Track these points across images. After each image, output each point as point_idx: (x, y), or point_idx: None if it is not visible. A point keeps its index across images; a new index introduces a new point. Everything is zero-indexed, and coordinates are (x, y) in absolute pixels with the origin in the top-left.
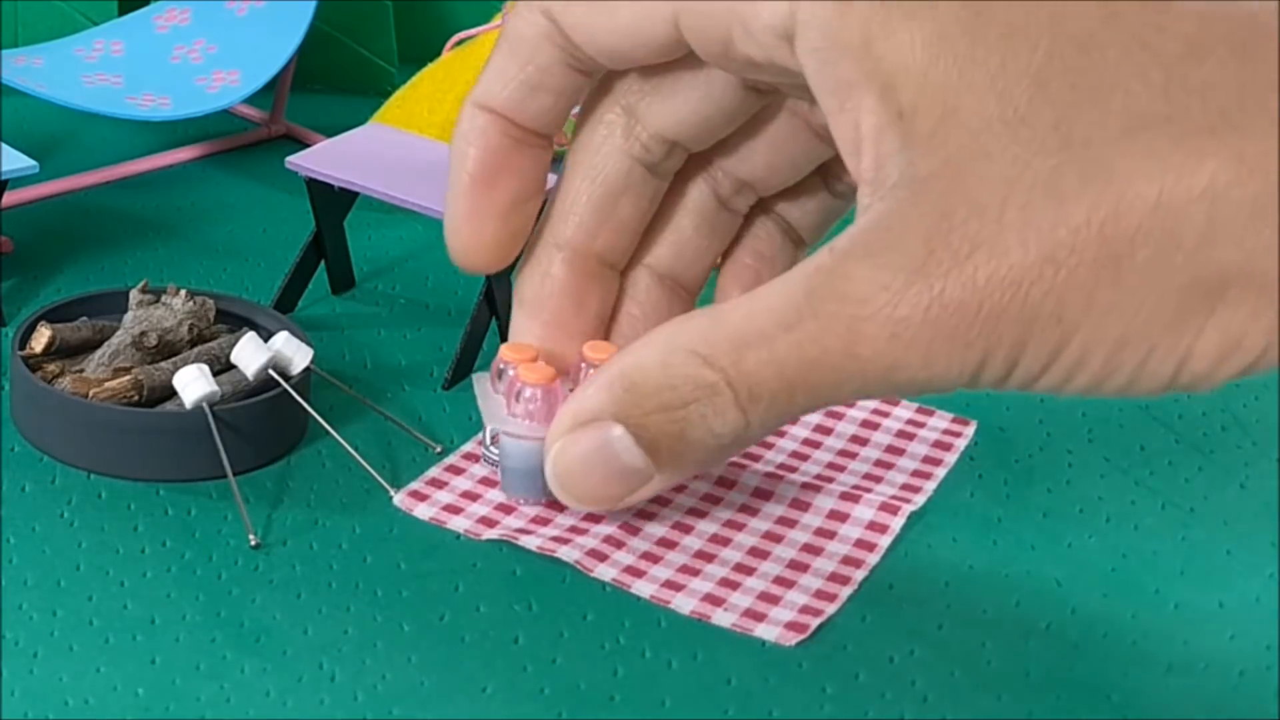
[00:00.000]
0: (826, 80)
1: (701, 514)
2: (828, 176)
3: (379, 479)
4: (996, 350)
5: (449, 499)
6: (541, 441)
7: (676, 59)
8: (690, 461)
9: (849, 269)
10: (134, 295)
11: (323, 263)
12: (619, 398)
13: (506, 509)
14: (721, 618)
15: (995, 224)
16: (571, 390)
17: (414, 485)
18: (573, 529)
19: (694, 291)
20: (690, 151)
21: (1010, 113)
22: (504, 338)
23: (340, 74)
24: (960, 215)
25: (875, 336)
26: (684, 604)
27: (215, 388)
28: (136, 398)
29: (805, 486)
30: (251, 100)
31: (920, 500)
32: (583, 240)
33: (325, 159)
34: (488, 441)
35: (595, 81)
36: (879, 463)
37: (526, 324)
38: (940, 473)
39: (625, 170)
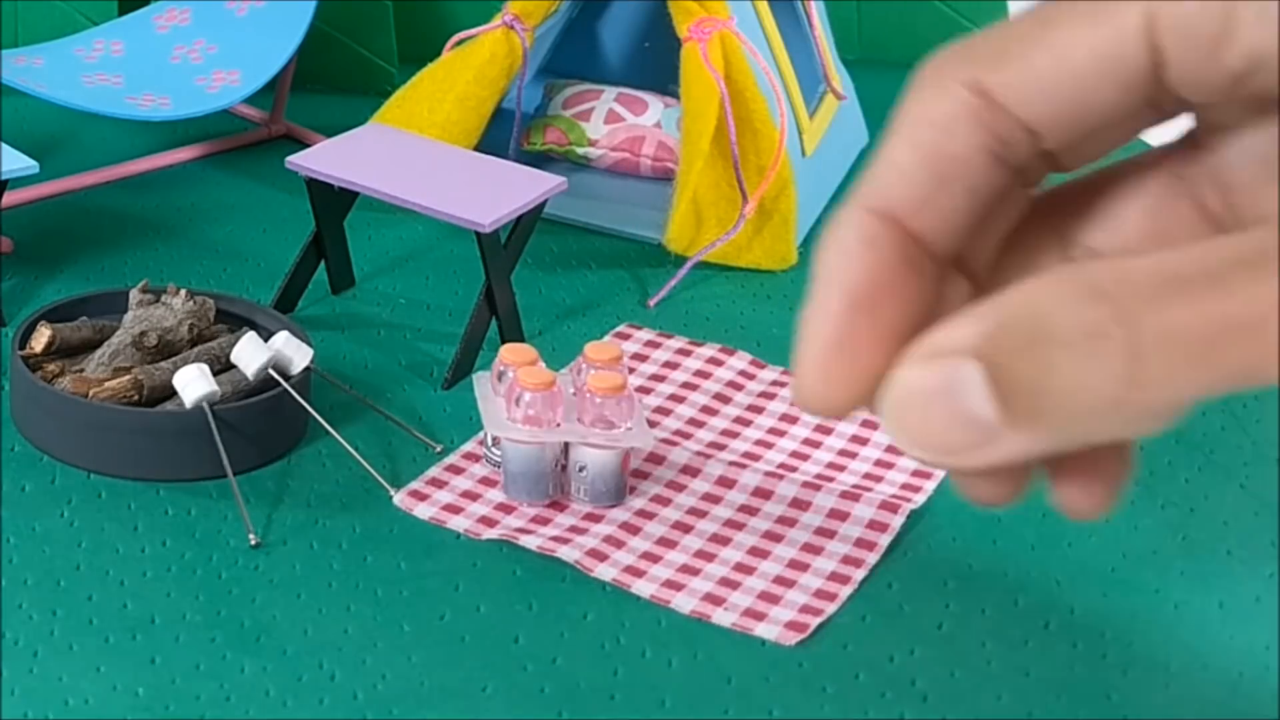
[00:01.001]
0: None
1: (702, 514)
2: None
3: (379, 479)
4: None
5: (449, 498)
6: (543, 446)
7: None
8: (1046, 420)
9: None
10: (134, 295)
11: (323, 262)
12: (987, 331)
13: (507, 508)
14: (721, 617)
15: None
16: (574, 392)
17: (414, 485)
18: (573, 529)
19: None
20: (1047, 151)
21: None
22: (504, 339)
23: (340, 74)
24: None
25: None
26: (684, 604)
27: (215, 387)
28: (136, 397)
29: (806, 485)
30: (251, 100)
31: (921, 499)
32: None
33: (325, 159)
34: (489, 442)
35: (1024, 202)
36: (880, 462)
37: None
38: (941, 472)
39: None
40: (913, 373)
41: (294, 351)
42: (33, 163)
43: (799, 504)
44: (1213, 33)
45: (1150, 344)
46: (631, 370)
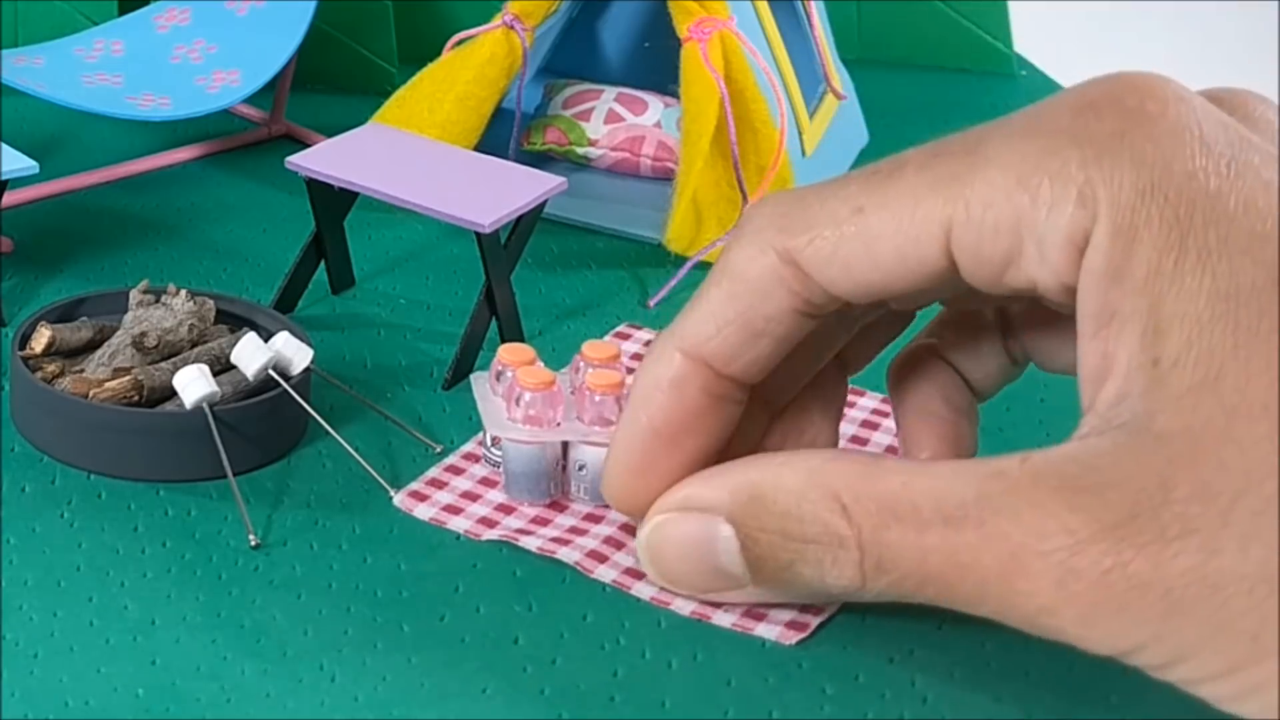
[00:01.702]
0: (1093, 302)
1: None
2: (1008, 342)
3: (379, 479)
4: (1164, 642)
5: (449, 499)
6: (542, 445)
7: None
8: (788, 592)
9: (1039, 497)
10: (134, 295)
11: (323, 263)
12: (741, 503)
13: (507, 509)
14: (721, 618)
15: (1219, 518)
16: (573, 391)
17: (414, 485)
18: (573, 530)
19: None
20: (849, 306)
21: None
22: (503, 338)
23: (340, 74)
24: (1182, 492)
25: (1040, 576)
26: (684, 604)
27: (215, 388)
28: (136, 398)
29: None
30: (252, 100)
31: None
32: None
33: (325, 159)
34: (488, 442)
35: (827, 345)
36: None
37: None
38: None
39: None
40: (670, 520)
41: (294, 352)
42: (32, 163)
43: None
44: (998, 261)
45: (886, 563)
46: (631, 370)
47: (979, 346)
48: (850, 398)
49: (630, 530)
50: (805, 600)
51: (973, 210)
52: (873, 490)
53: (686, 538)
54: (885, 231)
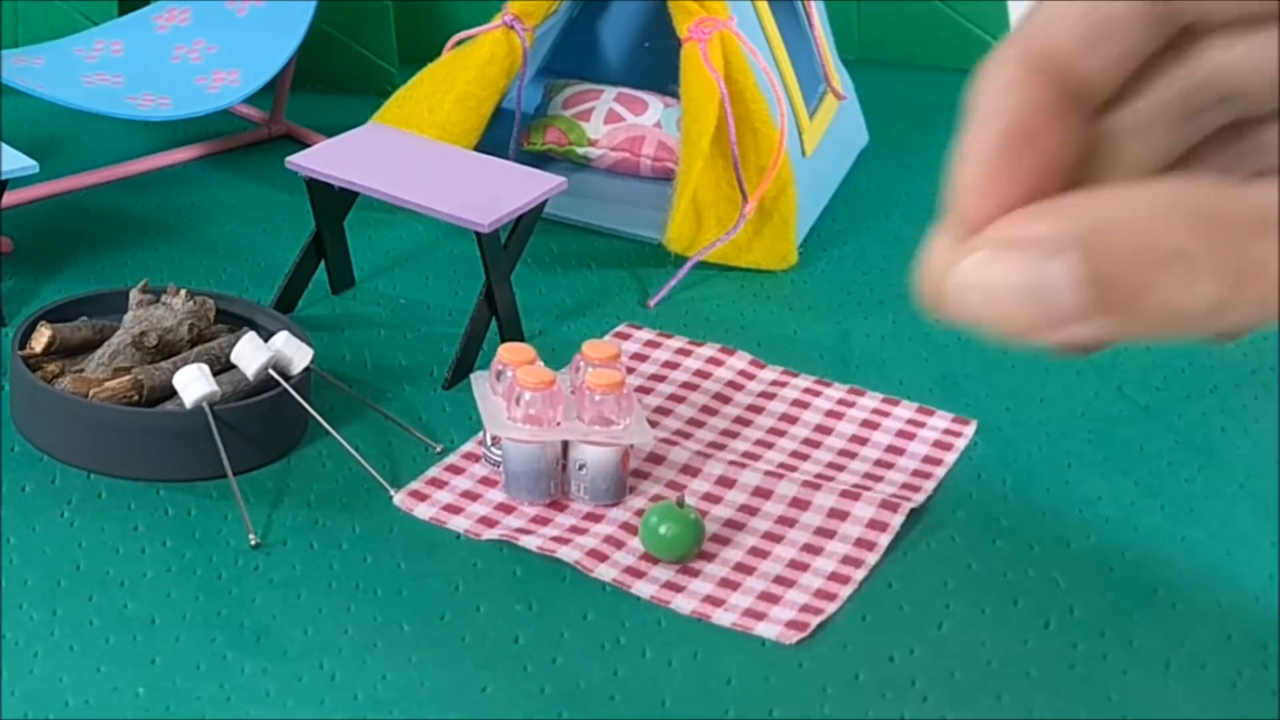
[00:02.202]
0: None
1: (702, 514)
2: None
3: (379, 479)
4: None
5: (449, 499)
6: (542, 445)
7: None
8: (1137, 322)
9: None
10: (134, 295)
11: (323, 263)
12: (1081, 231)
13: (507, 509)
14: (722, 617)
15: None
16: (573, 390)
17: (414, 485)
18: (573, 529)
19: None
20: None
21: None
22: (503, 338)
23: (340, 74)
24: None
25: None
26: (684, 604)
27: (215, 388)
28: (136, 397)
29: (806, 485)
30: (252, 100)
31: (920, 499)
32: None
33: (325, 159)
34: (489, 441)
35: (1167, 36)
36: (879, 462)
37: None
38: (940, 472)
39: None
40: (991, 256)
41: (294, 351)
42: (33, 163)
43: (799, 503)
44: None
45: (1250, 274)
46: (631, 370)
47: None
48: (849, 397)
49: (631, 529)
50: (1154, 330)
51: None
52: (1232, 208)
53: (1019, 273)
54: None
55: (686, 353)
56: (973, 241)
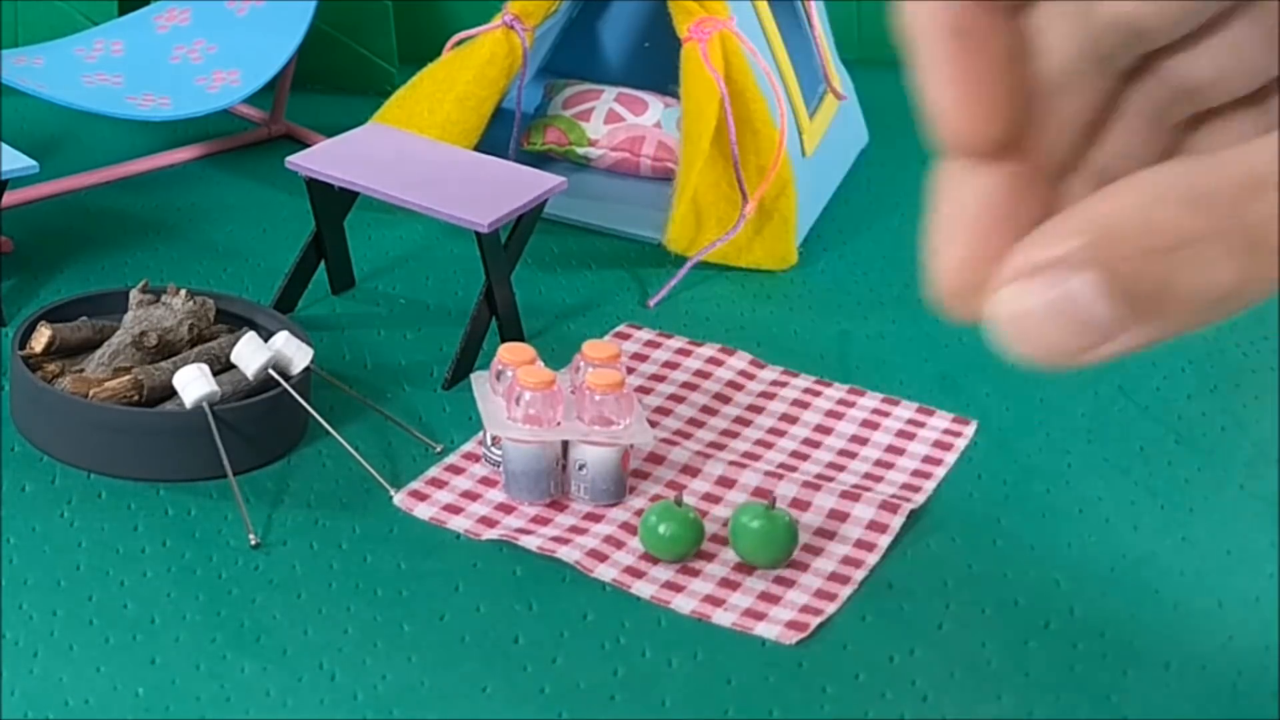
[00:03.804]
0: None
1: (702, 514)
2: None
3: (379, 479)
4: None
5: (449, 499)
6: (542, 445)
7: None
8: (1172, 314)
9: None
10: (134, 295)
11: (323, 263)
12: (1088, 243)
13: (507, 509)
14: (721, 617)
15: None
16: (573, 390)
17: (414, 485)
18: (573, 529)
19: None
20: (1148, 48)
21: None
22: (503, 338)
23: (340, 74)
24: None
25: None
26: (684, 604)
27: (215, 387)
28: (136, 397)
29: (806, 485)
30: (251, 100)
31: (920, 499)
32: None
33: (325, 159)
34: (489, 442)
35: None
36: (879, 462)
37: (947, 244)
38: (940, 472)
39: (1072, 60)
40: (1019, 289)
41: (294, 351)
42: (33, 163)
43: (799, 504)
44: None
45: (1257, 239)
46: (631, 370)
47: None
48: (849, 397)
49: (631, 529)
50: (1192, 321)
51: None
52: (1217, 179)
53: (1043, 301)
54: None
55: (686, 353)
56: (999, 276)
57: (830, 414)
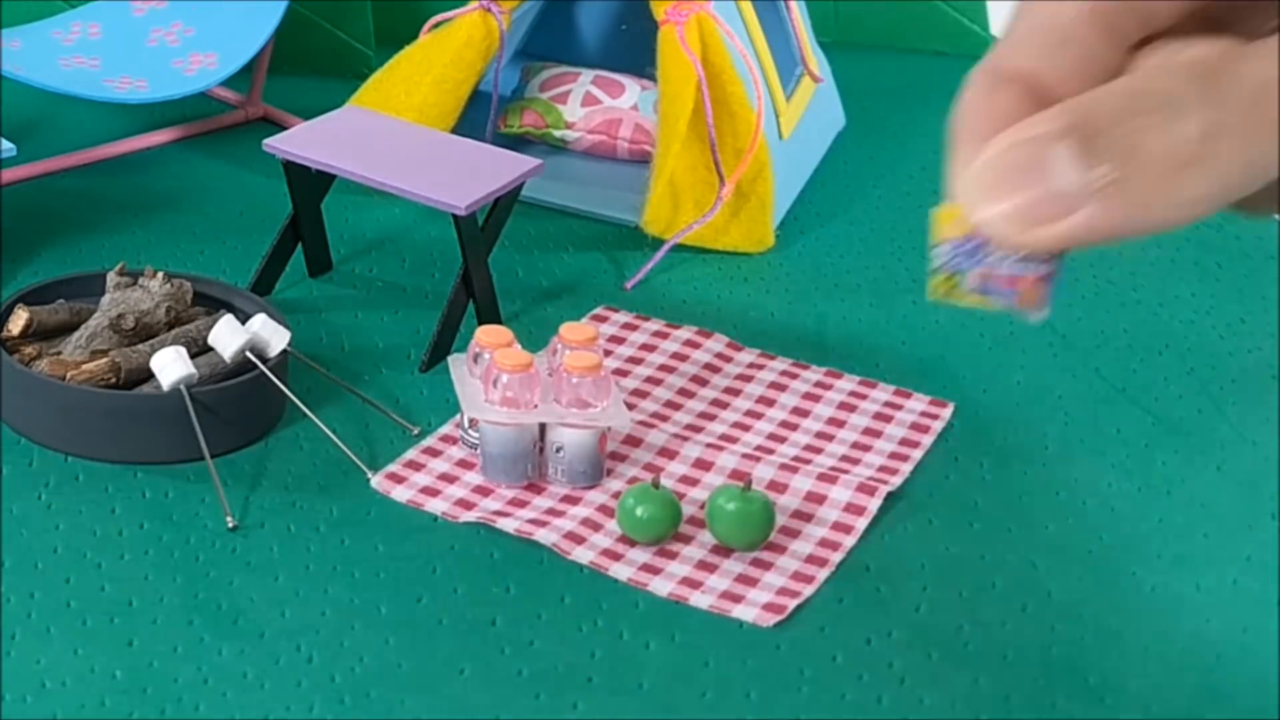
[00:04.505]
0: None
1: (679, 496)
2: None
3: (357, 461)
4: None
5: (426, 481)
6: (519, 427)
7: None
8: (1133, 188)
9: None
10: (111, 278)
11: (300, 245)
12: (1075, 117)
13: (484, 491)
14: (699, 599)
15: None
16: (550, 373)
17: (391, 467)
18: (550, 511)
19: None
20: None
21: None
22: (480, 321)
23: (317, 57)
24: None
25: None
26: (661, 586)
27: (193, 370)
28: (114, 380)
29: (783, 468)
30: (229, 83)
31: (897, 482)
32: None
33: (302, 141)
34: (466, 424)
35: (1124, 48)
36: (856, 444)
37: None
38: (917, 455)
39: (1081, 17)
40: (1001, 151)
41: (271, 334)
42: (10, 145)
43: (776, 486)
44: None
45: (1232, 96)
46: (609, 353)
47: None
48: (827, 379)
49: (608, 512)
50: (1159, 199)
51: None
52: (1196, 52)
53: (1018, 162)
54: None
55: (664, 335)
56: (981, 148)
57: (808, 396)
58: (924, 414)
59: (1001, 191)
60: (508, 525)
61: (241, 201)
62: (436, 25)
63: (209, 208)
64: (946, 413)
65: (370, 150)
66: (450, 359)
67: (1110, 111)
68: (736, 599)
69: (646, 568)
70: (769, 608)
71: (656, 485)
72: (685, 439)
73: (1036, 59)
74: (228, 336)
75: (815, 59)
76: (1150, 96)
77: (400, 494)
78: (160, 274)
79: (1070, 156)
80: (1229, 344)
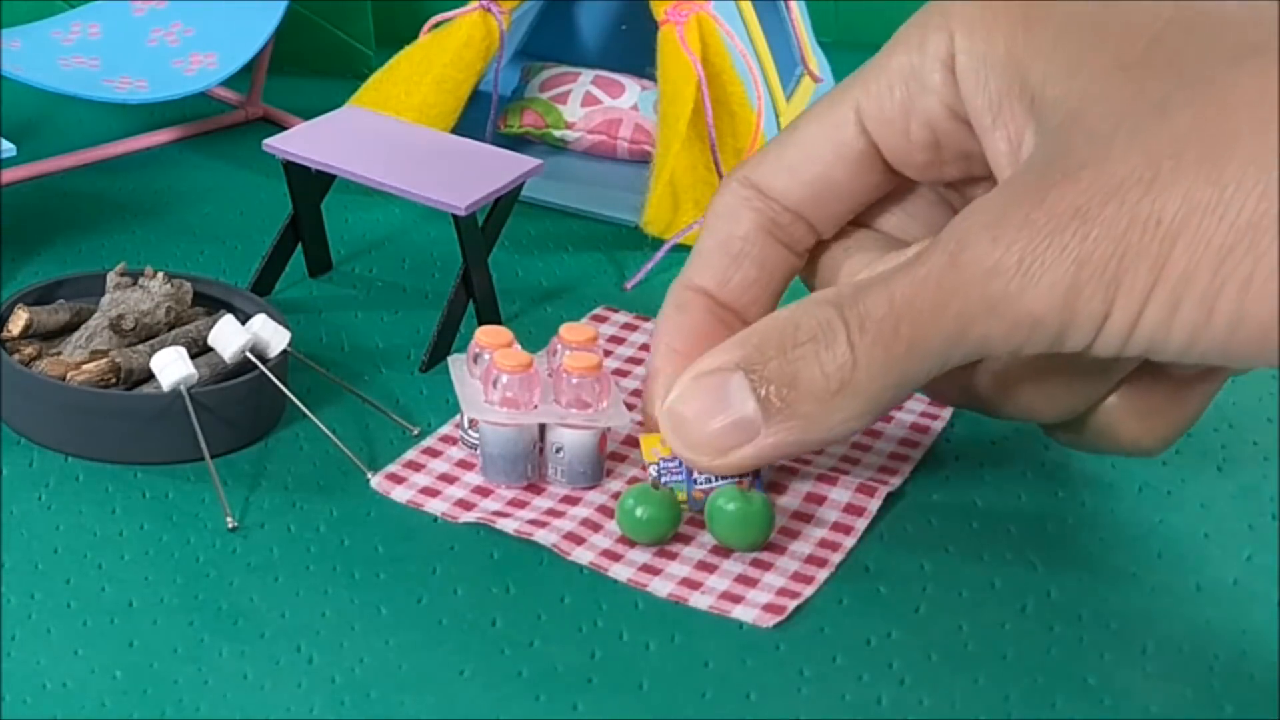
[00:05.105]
0: (978, 98)
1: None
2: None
3: (356, 461)
4: (1092, 256)
5: (426, 481)
6: (519, 428)
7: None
8: (798, 412)
9: (969, 210)
10: (111, 278)
11: (300, 245)
12: (747, 351)
13: (484, 491)
14: (699, 600)
15: (1105, 147)
16: (550, 373)
17: (391, 468)
18: (550, 512)
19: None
20: (811, 224)
21: (1129, 58)
22: (480, 321)
23: (317, 57)
24: (1078, 143)
25: (977, 240)
26: (661, 587)
27: (193, 370)
28: (114, 380)
29: (781, 469)
30: (229, 83)
31: (897, 482)
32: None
33: (302, 141)
34: (466, 424)
35: (798, 264)
36: (856, 445)
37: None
38: (917, 455)
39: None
40: (688, 388)
41: (271, 334)
42: (10, 145)
43: (775, 487)
44: (898, 114)
45: (865, 320)
46: (608, 353)
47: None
48: None
49: (608, 512)
50: (816, 435)
51: (870, 86)
52: (852, 286)
53: (702, 397)
54: (812, 131)
55: None
56: (674, 384)
57: None
58: (923, 414)
59: (690, 428)
60: (507, 526)
61: (241, 201)
62: (436, 25)
63: (209, 208)
64: (946, 413)
65: (370, 150)
66: (450, 359)
67: (775, 343)
68: (736, 599)
69: (646, 568)
70: (769, 608)
71: (656, 486)
72: None
73: (718, 274)
74: (228, 337)
75: (815, 59)
76: (805, 328)
77: (400, 494)
78: (160, 274)
79: (745, 387)
80: None
